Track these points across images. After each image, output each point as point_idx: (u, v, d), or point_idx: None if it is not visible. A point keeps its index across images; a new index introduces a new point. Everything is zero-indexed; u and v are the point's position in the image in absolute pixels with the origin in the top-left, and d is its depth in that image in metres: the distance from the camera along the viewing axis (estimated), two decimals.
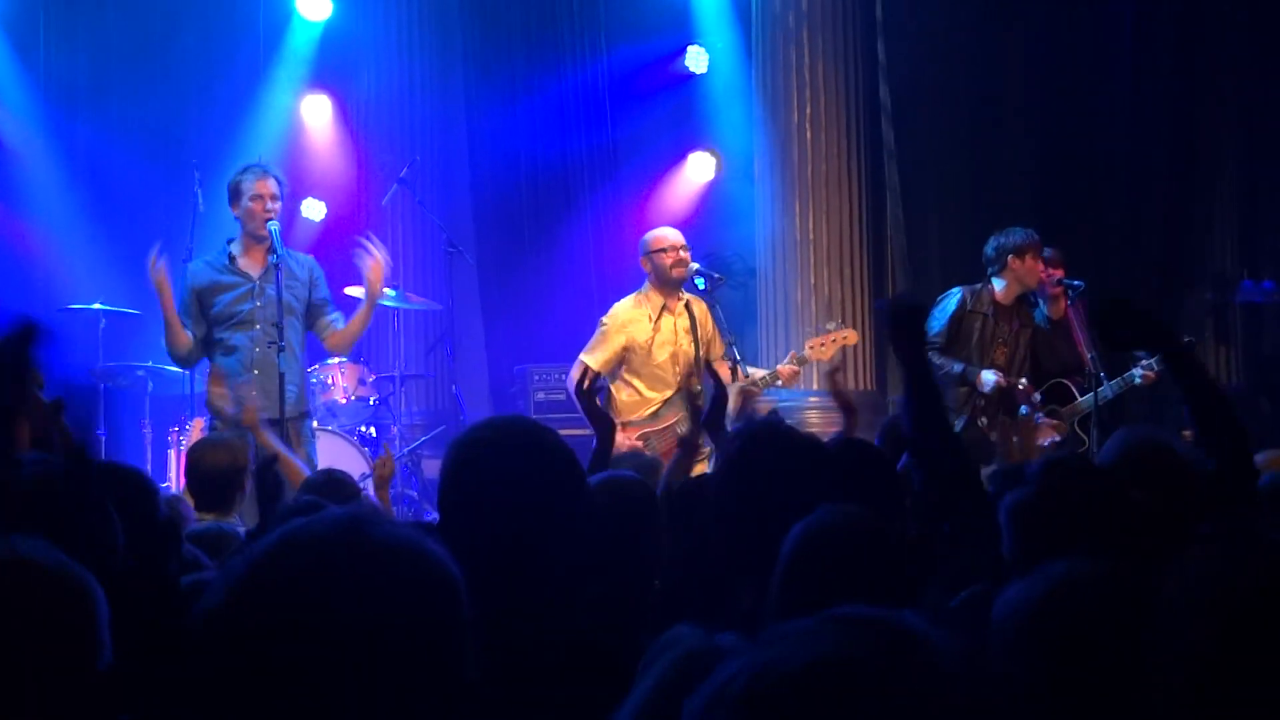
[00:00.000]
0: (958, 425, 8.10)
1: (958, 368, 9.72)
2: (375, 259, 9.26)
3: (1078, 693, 2.59)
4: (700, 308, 9.90)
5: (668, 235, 10.02)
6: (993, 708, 1.44)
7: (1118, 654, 2.53)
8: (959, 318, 9.92)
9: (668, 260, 9.73)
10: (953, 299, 10.00)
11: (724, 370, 9.48)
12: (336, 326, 9.44)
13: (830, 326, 10.26)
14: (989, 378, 9.56)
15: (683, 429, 9.06)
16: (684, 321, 9.77)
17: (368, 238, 9.46)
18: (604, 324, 9.96)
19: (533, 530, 2.41)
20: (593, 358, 9.80)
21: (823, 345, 9.86)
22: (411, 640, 1.95)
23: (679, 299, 9.79)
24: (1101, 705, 2.51)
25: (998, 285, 9.93)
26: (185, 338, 9.25)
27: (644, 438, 9.58)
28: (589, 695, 2.91)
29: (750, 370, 9.55)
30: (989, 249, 9.97)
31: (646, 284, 9.93)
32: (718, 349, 9.79)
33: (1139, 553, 3.35)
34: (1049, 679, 2.66)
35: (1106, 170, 12.09)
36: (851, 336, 10.26)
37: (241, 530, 6.11)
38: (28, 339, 2.97)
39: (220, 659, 1.94)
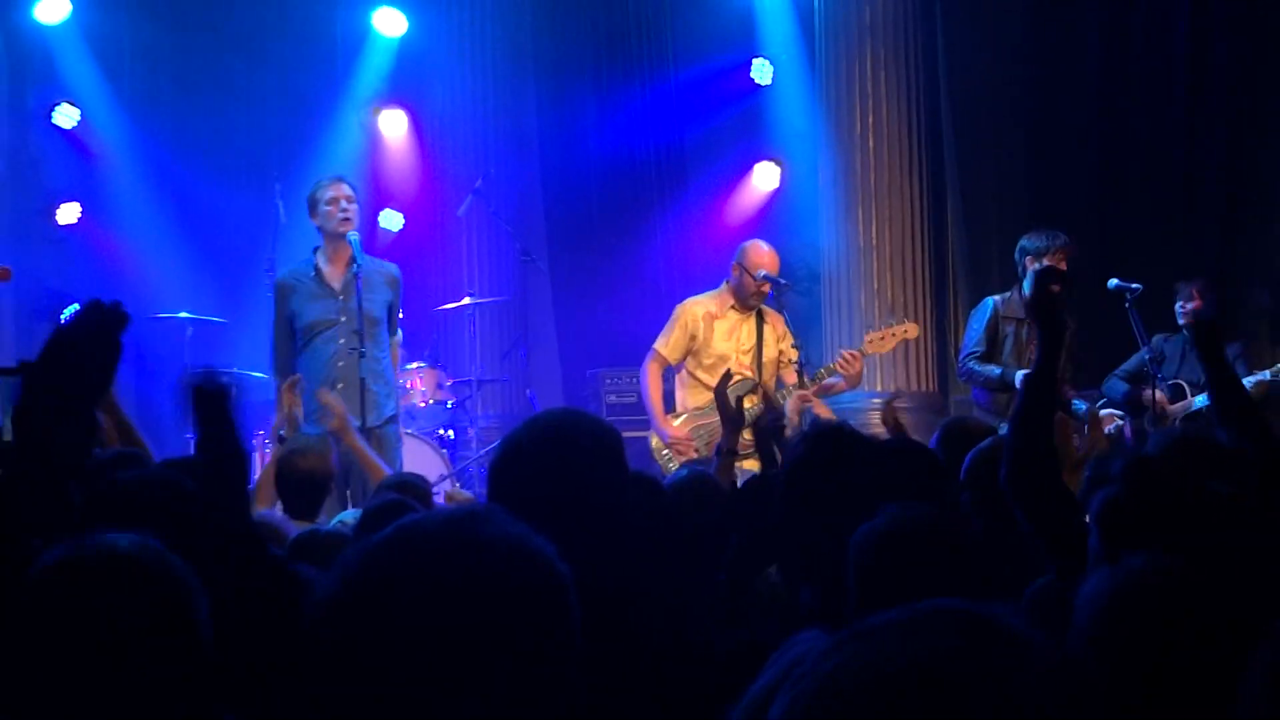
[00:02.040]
0: (1001, 429, 8.06)
1: (996, 372, 9.67)
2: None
3: (1154, 682, 2.56)
4: (773, 315, 9.93)
5: (749, 249, 9.96)
6: (1081, 697, 1.43)
7: (1195, 647, 2.51)
8: (994, 325, 9.91)
9: (748, 270, 9.79)
10: (986, 308, 9.98)
11: (790, 375, 9.57)
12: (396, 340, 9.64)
13: (891, 321, 10.30)
14: (1020, 377, 9.56)
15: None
16: (751, 323, 9.78)
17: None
18: (675, 312, 10.03)
19: (569, 523, 2.35)
20: (662, 343, 9.92)
21: (882, 339, 9.88)
22: (521, 634, 1.95)
23: (751, 307, 9.79)
24: (1177, 697, 2.48)
25: (1026, 287, 9.91)
26: (290, 390, 9.10)
27: (695, 430, 9.63)
28: (664, 689, 3.00)
29: (816, 372, 9.59)
30: (1016, 253, 9.93)
31: (724, 285, 9.96)
32: (789, 355, 9.79)
33: (1221, 546, 3.35)
34: (1127, 668, 2.63)
35: (1163, 172, 12.03)
36: (912, 330, 10.19)
37: (334, 524, 6.16)
38: (115, 320, 3.03)
39: (333, 648, 1.96)
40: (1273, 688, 1.76)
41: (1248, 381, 9.51)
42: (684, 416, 9.71)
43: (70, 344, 2.95)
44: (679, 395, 9.93)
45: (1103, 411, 9.73)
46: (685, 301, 10.08)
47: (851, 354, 9.55)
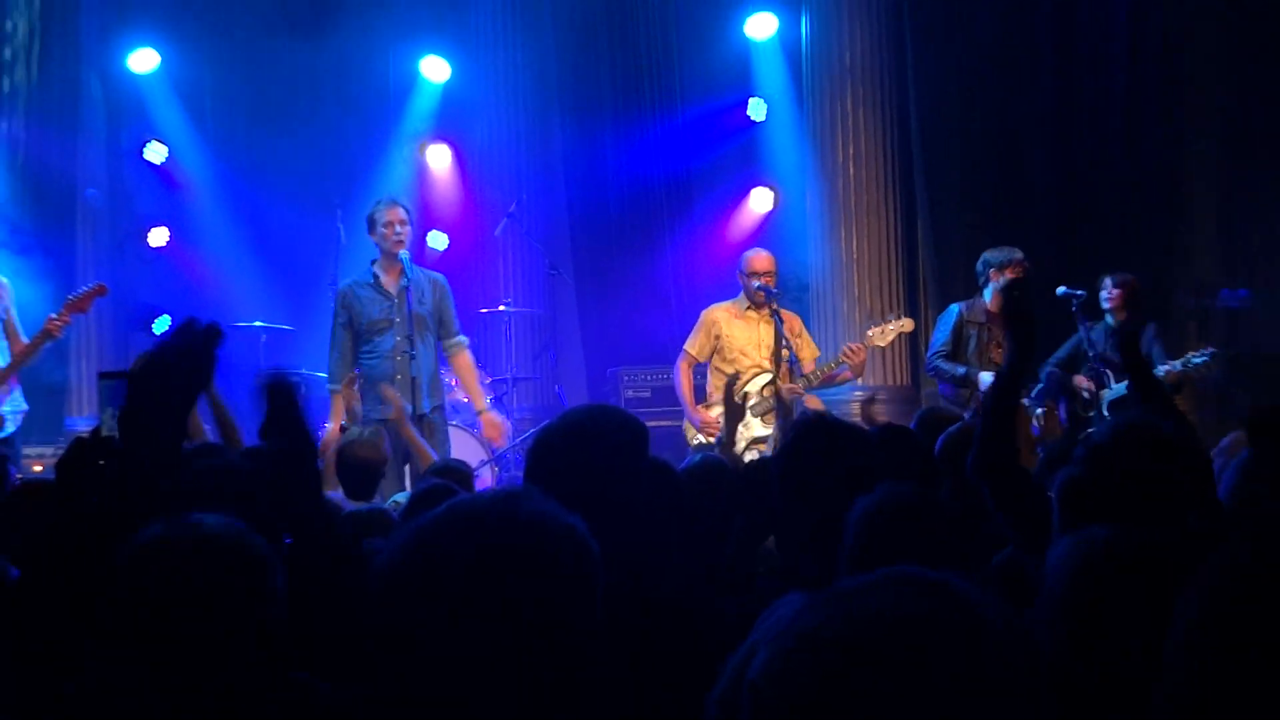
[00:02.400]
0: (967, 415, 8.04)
1: (960, 370, 9.73)
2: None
3: (1114, 635, 2.56)
4: (790, 316, 9.98)
5: (752, 257, 10.06)
6: (1026, 655, 1.43)
7: (1149, 605, 2.45)
8: (958, 329, 9.91)
9: (751, 280, 9.84)
10: (952, 314, 10.02)
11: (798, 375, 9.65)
12: (458, 352, 9.63)
13: (891, 318, 10.33)
14: (986, 378, 9.53)
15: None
16: (769, 322, 9.79)
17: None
18: (700, 318, 10.15)
19: (595, 503, 2.34)
20: (690, 344, 10.08)
21: (883, 333, 9.95)
22: (553, 597, 1.99)
23: (765, 312, 9.81)
24: (1133, 649, 2.45)
25: (987, 296, 9.90)
26: (347, 389, 9.25)
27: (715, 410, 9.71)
28: (676, 649, 2.96)
29: (821, 367, 9.70)
30: (978, 265, 9.97)
31: (742, 292, 10.01)
32: (809, 351, 9.90)
33: (1169, 520, 3.30)
34: (1091, 623, 2.64)
35: (1106, 192, 12.00)
36: (908, 324, 10.29)
37: (387, 505, 6.15)
38: (212, 337, 3.02)
39: (391, 611, 2.00)
40: (1189, 637, 1.78)
41: (1161, 370, 9.56)
42: (716, 402, 9.80)
43: (169, 356, 2.96)
44: (710, 385, 10.02)
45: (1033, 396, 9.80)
46: (709, 308, 10.17)
47: (855, 346, 9.56)
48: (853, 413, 10.77)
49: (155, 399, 2.91)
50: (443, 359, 9.71)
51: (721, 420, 9.58)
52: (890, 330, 9.98)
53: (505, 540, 1.98)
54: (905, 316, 10.51)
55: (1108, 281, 10.04)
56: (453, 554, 1.96)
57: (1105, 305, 9.96)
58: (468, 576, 1.95)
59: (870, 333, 9.95)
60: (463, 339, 9.70)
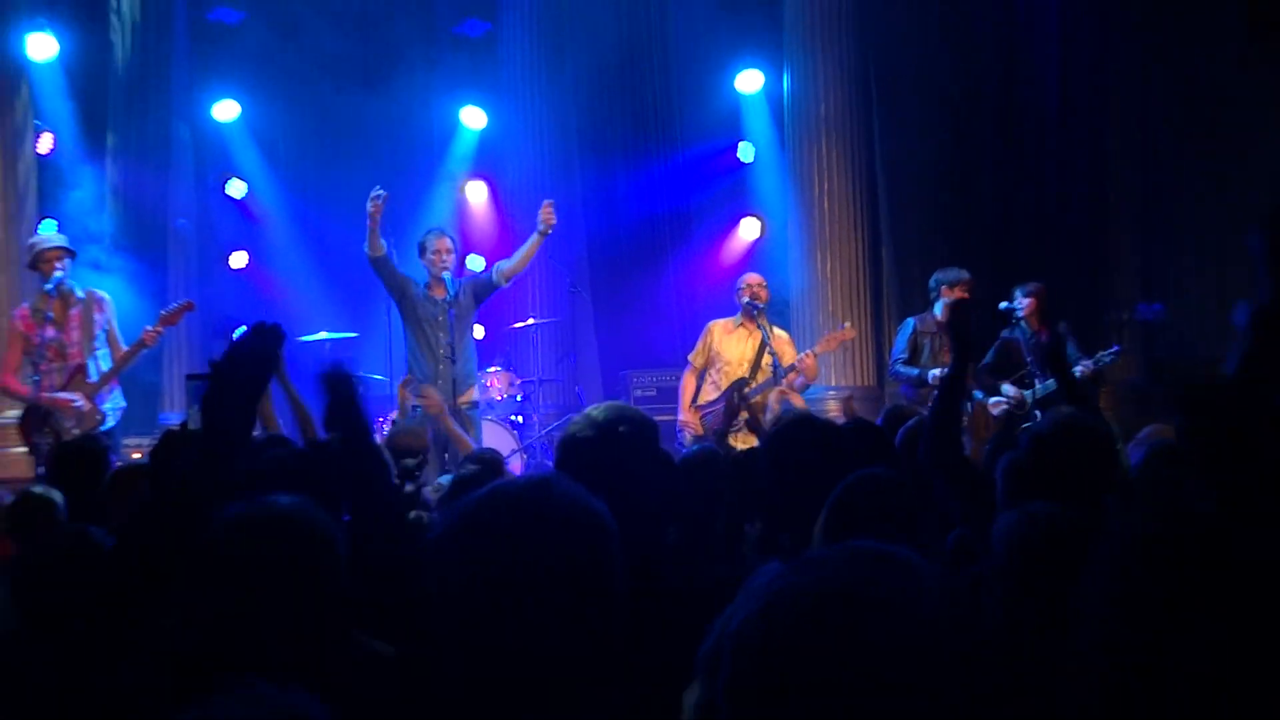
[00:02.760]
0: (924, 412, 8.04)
1: (915, 372, 9.78)
2: (548, 209, 9.60)
3: (1053, 592, 2.54)
4: (777, 331, 9.96)
5: (745, 277, 10.13)
6: (961, 614, 1.45)
7: (1072, 570, 2.49)
8: (914, 338, 9.95)
9: (746, 296, 9.88)
10: (909, 326, 10.06)
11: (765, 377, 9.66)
12: (503, 267, 9.71)
13: (839, 328, 10.44)
14: (934, 374, 9.58)
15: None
16: (756, 336, 9.79)
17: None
18: (704, 330, 10.14)
19: (612, 488, 2.36)
20: (693, 355, 10.10)
21: (828, 342, 10.05)
22: (581, 566, 2.01)
23: (754, 322, 9.82)
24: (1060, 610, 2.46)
25: (937, 310, 9.93)
26: (380, 246, 9.61)
27: (701, 418, 9.74)
28: (673, 611, 2.99)
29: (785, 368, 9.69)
30: (931, 283, 10.00)
31: (740, 312, 9.98)
32: (788, 358, 9.80)
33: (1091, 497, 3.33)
34: (1035, 582, 2.68)
35: (1042, 221, 12.00)
36: (850, 332, 10.43)
37: (429, 488, 6.16)
38: (276, 336, 3.03)
39: (441, 577, 2.02)
40: (1091, 592, 1.78)
41: (1079, 368, 9.56)
42: (700, 406, 9.87)
43: (242, 350, 2.98)
44: (703, 393, 10.00)
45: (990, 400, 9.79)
46: (709, 324, 10.17)
47: (807, 354, 9.68)
48: (829, 410, 10.82)
49: (232, 384, 2.94)
50: (486, 363, 9.85)
51: (699, 424, 9.71)
52: (834, 339, 10.07)
53: (539, 516, 2.00)
54: (847, 325, 10.64)
55: (1019, 293, 10.00)
56: (496, 529, 1.99)
57: (1020, 313, 9.94)
58: (509, 547, 1.96)
59: (818, 343, 10.09)
60: (500, 268, 9.82)
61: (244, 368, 2.96)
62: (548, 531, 1.99)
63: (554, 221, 9.60)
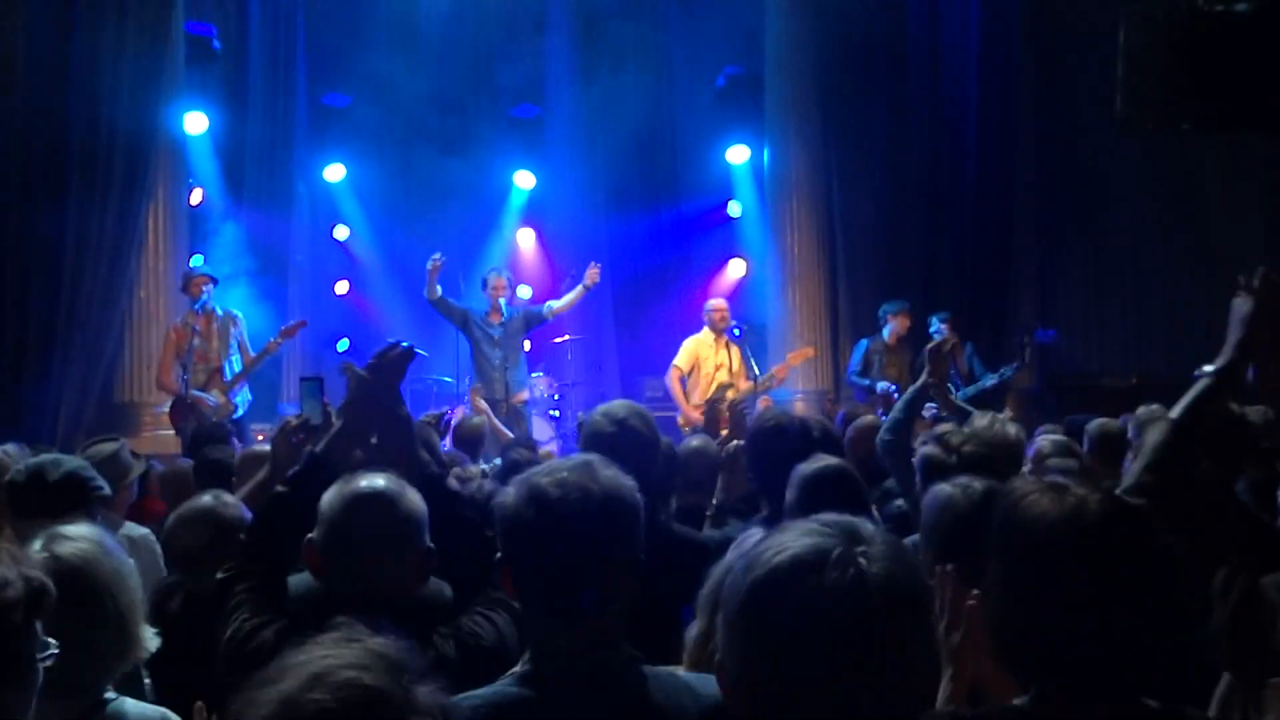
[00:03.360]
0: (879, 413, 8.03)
1: (868, 383, 9.76)
2: (595, 271, 9.93)
3: (961, 549, 2.50)
4: (735, 349, 10.00)
5: (712, 303, 10.28)
6: (912, 572, 1.44)
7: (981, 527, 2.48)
8: (867, 356, 9.93)
9: (713, 317, 9.87)
10: (863, 345, 10.10)
11: (744, 384, 9.64)
12: (553, 306, 9.81)
13: (800, 347, 10.64)
14: (881, 385, 9.54)
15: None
16: (726, 348, 9.85)
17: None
18: (683, 344, 10.25)
19: (629, 468, 2.36)
20: (678, 360, 10.17)
21: (796, 356, 10.30)
22: (623, 530, 2.04)
23: (723, 338, 9.88)
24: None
25: (885, 333, 9.92)
26: (434, 291, 9.91)
27: (700, 408, 9.80)
28: (679, 565, 2.97)
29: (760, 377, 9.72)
30: (880, 312, 10.03)
31: (705, 327, 10.09)
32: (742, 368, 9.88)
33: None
34: (948, 542, 2.64)
35: (960, 256, 11.91)
36: (811, 351, 10.55)
37: (485, 467, 6.13)
38: (408, 356, 2.89)
39: (511, 539, 2.05)
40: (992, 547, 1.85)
41: (988, 381, 9.53)
42: (696, 403, 9.89)
43: (380, 368, 2.85)
44: (692, 391, 10.00)
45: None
46: (689, 338, 10.30)
47: (782, 375, 9.89)
48: (798, 409, 10.80)
49: (372, 401, 2.81)
50: (534, 363, 9.94)
51: (699, 416, 9.74)
52: (800, 355, 10.31)
53: (589, 489, 2.00)
54: (809, 346, 10.90)
55: (936, 319, 9.95)
56: (553, 499, 1.99)
57: (939, 336, 9.90)
58: (566, 513, 1.98)
59: (788, 356, 10.22)
60: (550, 306, 9.87)
61: (382, 376, 2.84)
62: (595, 499, 2.00)
63: (598, 280, 9.78)
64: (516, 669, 2.03)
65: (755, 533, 2.74)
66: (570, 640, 1.98)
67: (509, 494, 2.06)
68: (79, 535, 2.43)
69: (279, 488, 2.77)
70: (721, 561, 2.55)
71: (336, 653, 1.28)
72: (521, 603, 2.07)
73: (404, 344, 2.90)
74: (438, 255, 9.72)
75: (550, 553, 1.98)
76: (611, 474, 2.06)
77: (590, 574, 1.97)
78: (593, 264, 9.91)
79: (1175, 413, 2.42)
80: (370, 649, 1.30)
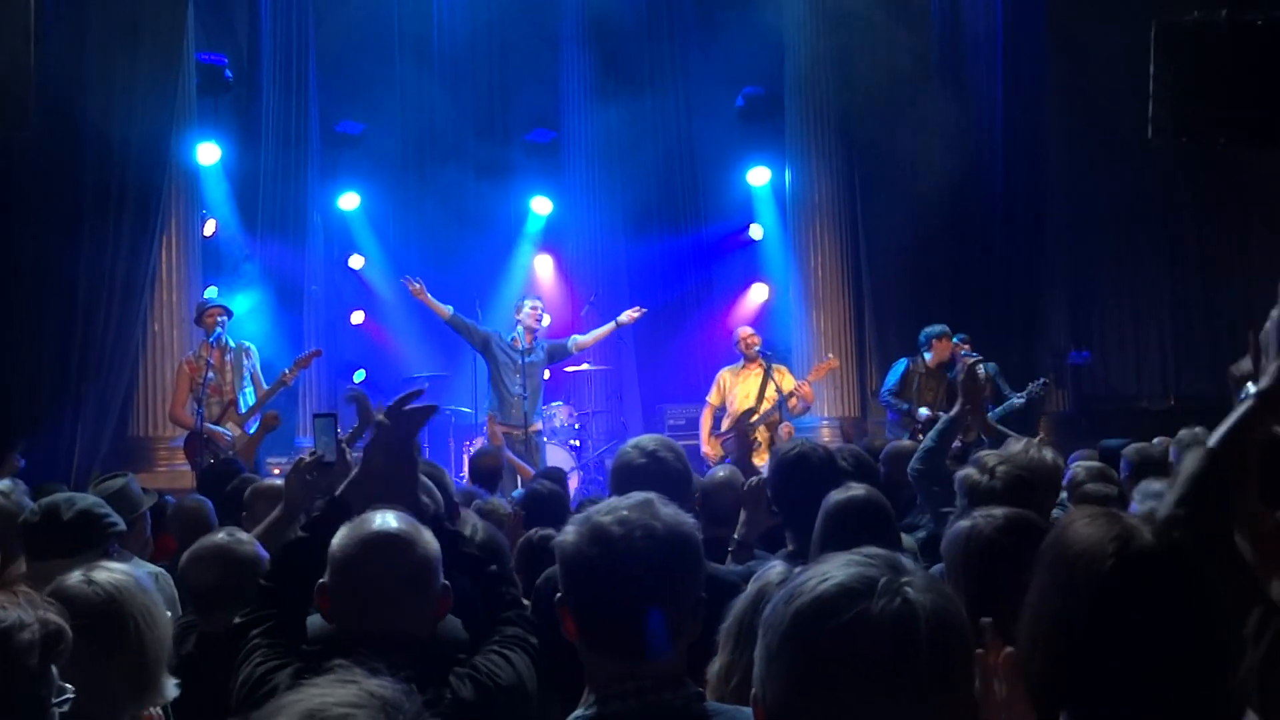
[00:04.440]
0: (904, 438, 8.00)
1: (905, 405, 9.67)
2: (635, 313, 10.09)
3: (990, 580, 2.52)
4: (780, 369, 10.09)
5: (739, 331, 10.35)
6: (954, 604, 1.42)
7: (1011, 558, 2.44)
8: (907, 376, 9.85)
9: (741, 344, 9.93)
10: (902, 364, 9.96)
11: (767, 407, 9.67)
12: (578, 340, 9.90)
13: (823, 359, 10.54)
14: (923, 412, 9.48)
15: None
16: (759, 376, 9.87)
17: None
18: (715, 377, 10.33)
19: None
20: (709, 396, 10.26)
21: (817, 372, 10.14)
22: (688, 560, 2.04)
23: (755, 364, 9.91)
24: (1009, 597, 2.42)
25: (926, 357, 9.85)
26: (444, 310, 9.96)
27: (723, 443, 9.80)
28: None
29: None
30: (921, 336, 9.93)
31: (741, 356, 10.19)
32: (789, 385, 9.89)
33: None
34: (976, 574, 2.63)
35: (990, 280, 11.84)
36: (833, 362, 10.48)
37: (505, 502, 6.11)
38: (430, 412, 2.81)
39: (573, 578, 2.05)
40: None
41: (1016, 399, 9.55)
42: (713, 438, 9.92)
43: (399, 415, 2.77)
44: (721, 423, 10.11)
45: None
46: (721, 371, 10.41)
47: (803, 383, 9.90)
48: (824, 436, 10.77)
49: (397, 446, 2.76)
50: (550, 400, 10.00)
51: (720, 450, 9.74)
52: (822, 368, 10.18)
53: (653, 525, 2.01)
54: (830, 356, 10.75)
55: (958, 338, 9.97)
56: (616, 537, 1.99)
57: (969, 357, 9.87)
58: (630, 551, 1.99)
59: (809, 375, 10.15)
60: (575, 340, 9.93)
61: (402, 424, 2.77)
62: (658, 533, 2.01)
63: (634, 320, 9.89)
64: (580, 711, 2.01)
65: (776, 564, 2.74)
66: (636, 680, 1.97)
67: (569, 533, 2.05)
68: (117, 569, 2.54)
69: (299, 532, 2.76)
70: (742, 595, 2.53)
71: (331, 692, 1.30)
72: (583, 642, 2.04)
73: (424, 389, 2.87)
74: (413, 282, 9.82)
75: (615, 592, 1.98)
76: (672, 511, 2.06)
77: (655, 613, 1.97)
78: (637, 309, 10.04)
79: (1213, 440, 2.30)
80: (365, 689, 1.31)
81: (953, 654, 1.38)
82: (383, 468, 2.75)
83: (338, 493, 2.77)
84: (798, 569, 1.51)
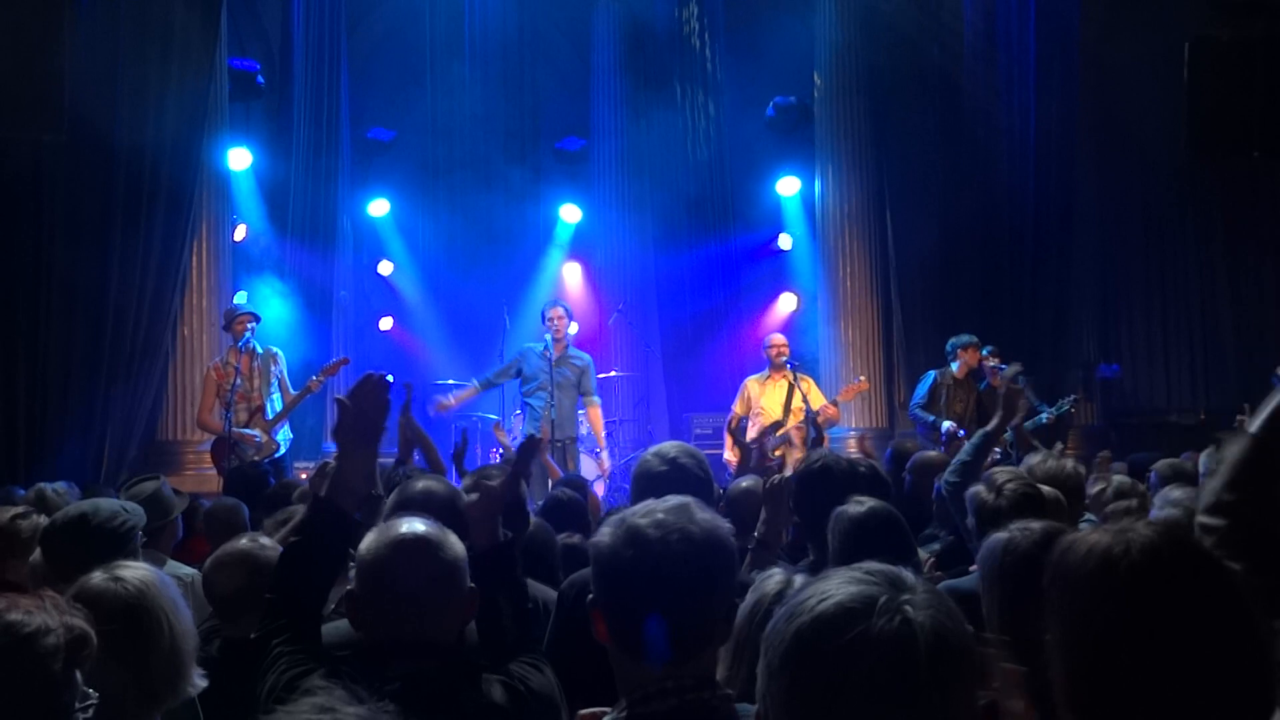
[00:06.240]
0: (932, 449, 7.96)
1: (931, 418, 9.60)
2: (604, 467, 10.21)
3: (1020, 595, 2.52)
4: (807, 380, 10.08)
5: (769, 338, 10.30)
6: (957, 621, 1.42)
7: (1038, 574, 2.46)
8: (936, 388, 9.79)
9: (769, 353, 9.93)
10: (930, 377, 9.88)
11: (793, 420, 9.65)
12: (591, 406, 10.01)
13: (854, 380, 10.45)
14: (946, 425, 9.43)
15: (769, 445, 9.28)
16: (784, 386, 9.84)
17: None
18: (740, 386, 10.27)
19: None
20: (735, 405, 10.19)
21: (847, 391, 10.09)
22: (722, 562, 2.03)
23: (781, 373, 9.89)
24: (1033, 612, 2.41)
25: (954, 367, 9.79)
26: (476, 388, 9.99)
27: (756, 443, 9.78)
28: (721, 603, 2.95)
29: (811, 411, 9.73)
30: (948, 346, 9.88)
31: (768, 364, 10.16)
32: (816, 400, 9.86)
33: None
34: (1006, 588, 2.63)
35: (1018, 289, 11.81)
36: (864, 384, 10.46)
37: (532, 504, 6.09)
38: (383, 385, 2.73)
39: (608, 581, 2.04)
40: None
41: (1045, 414, 9.49)
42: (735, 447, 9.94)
43: (358, 395, 2.72)
44: (750, 428, 10.01)
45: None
46: (746, 379, 10.37)
47: (830, 404, 9.80)
48: (849, 447, 10.73)
49: (357, 420, 2.69)
50: (581, 406, 9.99)
51: (731, 458, 9.75)
52: (852, 389, 10.09)
53: (689, 529, 2.00)
54: (862, 378, 10.68)
55: (987, 350, 9.92)
56: (653, 539, 1.98)
57: (999, 371, 9.82)
58: (666, 555, 1.97)
59: (840, 393, 10.09)
60: (596, 399, 9.94)
61: (364, 403, 2.71)
62: (695, 537, 2.00)
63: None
64: (613, 713, 2.02)
65: (775, 573, 2.74)
66: (669, 683, 1.97)
67: (604, 534, 2.05)
68: (139, 566, 2.57)
69: (292, 537, 2.74)
70: (740, 606, 2.54)
71: None
72: (616, 645, 2.03)
73: (384, 375, 2.79)
74: (443, 402, 9.80)
75: (651, 595, 1.96)
76: (709, 516, 2.05)
77: (691, 616, 1.97)
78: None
79: (1254, 426, 2.24)
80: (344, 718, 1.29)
81: (952, 671, 1.38)
82: (353, 454, 2.71)
83: (321, 492, 2.73)
84: (799, 581, 1.52)
